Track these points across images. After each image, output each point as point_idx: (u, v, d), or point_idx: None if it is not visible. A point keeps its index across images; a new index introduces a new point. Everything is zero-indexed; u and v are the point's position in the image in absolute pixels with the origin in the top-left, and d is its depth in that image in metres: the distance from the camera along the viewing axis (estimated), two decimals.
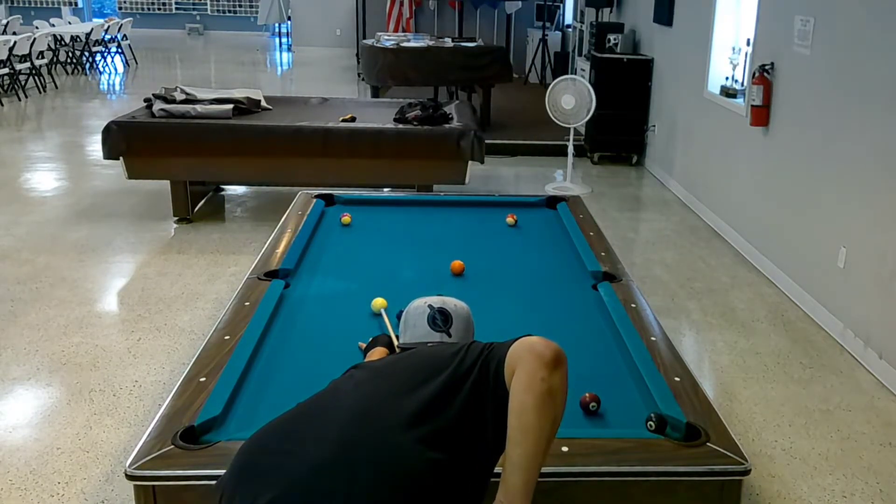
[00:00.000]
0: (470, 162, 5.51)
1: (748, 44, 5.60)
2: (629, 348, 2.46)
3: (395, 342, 2.16)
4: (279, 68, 15.62)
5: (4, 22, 14.33)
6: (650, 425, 1.94)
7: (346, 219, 3.78)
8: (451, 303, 2.01)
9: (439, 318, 1.95)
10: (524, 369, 1.47)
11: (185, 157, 5.49)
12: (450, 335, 1.94)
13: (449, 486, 1.47)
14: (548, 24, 12.39)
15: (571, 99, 6.73)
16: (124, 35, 14.89)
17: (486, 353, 1.59)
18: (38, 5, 19.68)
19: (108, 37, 14.30)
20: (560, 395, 1.48)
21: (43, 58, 11.62)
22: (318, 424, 1.51)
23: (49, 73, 12.01)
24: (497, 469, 1.52)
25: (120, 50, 14.81)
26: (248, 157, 5.52)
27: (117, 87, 12.59)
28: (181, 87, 5.94)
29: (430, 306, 1.98)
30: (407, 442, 1.46)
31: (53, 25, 14.53)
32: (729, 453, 1.91)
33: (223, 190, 6.59)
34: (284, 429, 1.54)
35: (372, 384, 1.60)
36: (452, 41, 9.41)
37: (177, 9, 20.54)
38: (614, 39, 7.96)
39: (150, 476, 1.83)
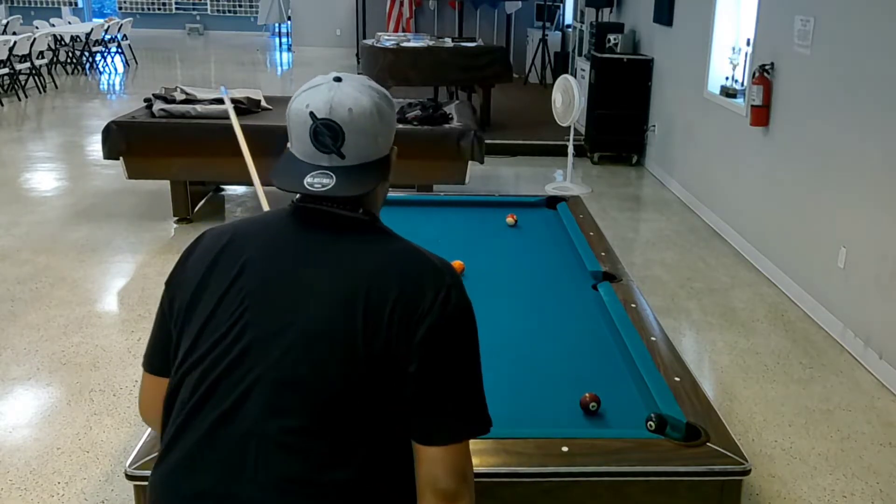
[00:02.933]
0: (470, 162, 5.51)
1: (748, 44, 5.60)
2: (629, 348, 2.45)
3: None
4: (279, 68, 15.62)
5: (4, 22, 14.34)
6: (650, 425, 1.94)
7: None
8: (346, 104, 1.36)
9: (324, 136, 1.36)
10: None
11: (185, 157, 5.48)
12: (342, 156, 1.37)
13: (372, 492, 1.34)
14: (548, 24, 12.39)
15: (561, 97, 6.74)
16: (124, 35, 14.89)
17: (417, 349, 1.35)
18: (38, 5, 19.69)
19: (108, 37, 14.30)
20: None
21: (43, 58, 11.62)
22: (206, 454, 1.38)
23: (49, 73, 12.01)
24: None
25: (120, 50, 14.81)
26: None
27: (117, 87, 12.60)
28: (181, 87, 5.94)
29: (312, 115, 1.36)
30: (306, 475, 1.31)
31: (53, 25, 14.54)
32: (729, 453, 1.91)
33: (223, 190, 6.59)
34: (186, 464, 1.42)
35: (260, 355, 1.35)
36: (452, 41, 9.41)
37: (177, 9, 20.55)
38: (614, 39, 7.95)
39: (150, 476, 1.82)
